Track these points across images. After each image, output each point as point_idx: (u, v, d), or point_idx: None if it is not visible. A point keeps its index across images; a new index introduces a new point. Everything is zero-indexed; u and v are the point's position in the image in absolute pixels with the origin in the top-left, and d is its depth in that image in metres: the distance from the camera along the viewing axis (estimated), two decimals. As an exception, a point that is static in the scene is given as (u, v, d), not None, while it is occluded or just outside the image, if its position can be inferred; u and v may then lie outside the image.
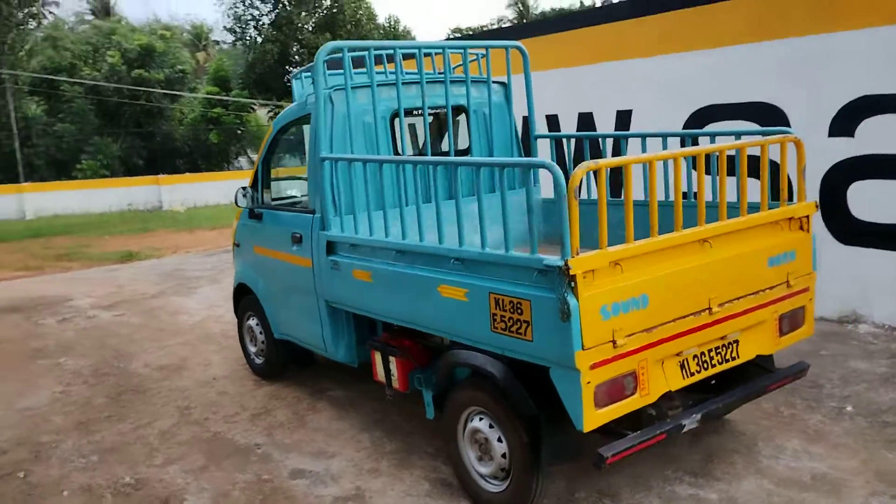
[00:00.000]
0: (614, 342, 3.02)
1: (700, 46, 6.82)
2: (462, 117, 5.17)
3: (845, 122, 5.89)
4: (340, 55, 4.56)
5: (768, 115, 6.34)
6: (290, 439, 4.61)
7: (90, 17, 43.13)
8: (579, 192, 2.90)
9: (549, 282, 2.97)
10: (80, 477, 4.25)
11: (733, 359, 3.61)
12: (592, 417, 3.02)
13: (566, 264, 2.86)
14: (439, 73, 5.01)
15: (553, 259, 2.92)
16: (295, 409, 5.07)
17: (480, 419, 3.56)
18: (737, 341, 3.61)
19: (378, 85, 4.61)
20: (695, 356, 3.45)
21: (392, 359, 4.15)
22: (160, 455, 4.50)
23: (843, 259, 6.03)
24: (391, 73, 4.87)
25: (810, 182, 5.98)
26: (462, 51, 5.03)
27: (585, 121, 7.99)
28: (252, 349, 5.82)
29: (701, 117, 6.87)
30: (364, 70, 4.87)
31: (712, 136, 4.69)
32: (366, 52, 4.55)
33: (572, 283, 2.88)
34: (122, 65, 30.19)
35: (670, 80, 7.08)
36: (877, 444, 4.02)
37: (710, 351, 3.50)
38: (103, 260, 14.04)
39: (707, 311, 3.37)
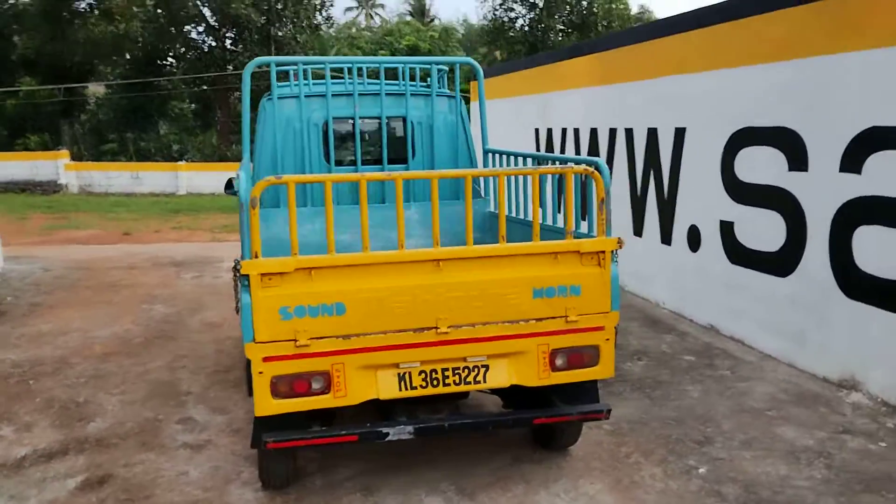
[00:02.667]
0: (296, 341, 3.34)
1: (740, 63, 6.23)
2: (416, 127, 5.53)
3: (854, 156, 5.06)
4: (281, 68, 5.25)
5: (790, 144, 5.65)
6: (215, 395, 5.45)
7: (408, 18, 48.23)
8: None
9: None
10: (58, 392, 5.52)
11: (477, 382, 3.63)
12: (267, 405, 3.38)
13: (236, 264, 3.27)
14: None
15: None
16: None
17: None
18: (486, 366, 3.62)
19: (307, 96, 5.21)
20: (421, 372, 3.56)
21: None
22: (121, 387, 5.61)
23: (848, 315, 5.21)
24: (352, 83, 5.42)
25: (821, 221, 5.30)
26: (401, 66, 5.39)
27: (652, 135, 7.64)
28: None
29: (739, 140, 6.27)
30: (341, 80, 5.52)
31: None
32: (295, 67, 5.19)
33: (246, 283, 3.28)
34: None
35: (717, 99, 6.55)
36: (677, 509, 3.69)
37: (444, 370, 3.58)
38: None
39: (433, 329, 3.48)
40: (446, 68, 5.64)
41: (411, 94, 5.46)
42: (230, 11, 30.58)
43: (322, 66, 5.26)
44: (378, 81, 5.53)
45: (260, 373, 3.34)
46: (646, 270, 7.88)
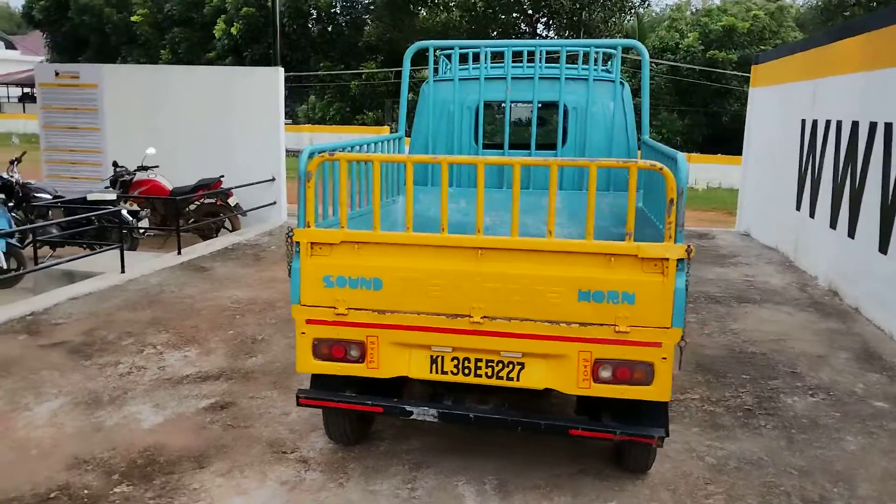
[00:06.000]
0: (335, 309, 3.54)
1: None
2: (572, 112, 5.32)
3: None
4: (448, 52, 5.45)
5: None
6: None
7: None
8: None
9: None
10: (250, 328, 6.40)
11: (510, 379, 3.49)
12: (307, 364, 3.65)
13: (289, 231, 3.56)
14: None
15: None
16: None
17: None
18: (521, 364, 3.46)
19: (462, 79, 5.31)
20: (453, 358, 3.52)
21: None
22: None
23: None
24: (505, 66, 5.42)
25: None
26: (561, 48, 5.19)
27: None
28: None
29: None
30: (500, 64, 5.59)
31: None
32: (452, 50, 5.32)
33: (297, 249, 3.56)
34: (699, 45, 31.55)
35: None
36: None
37: (476, 360, 3.51)
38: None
39: (467, 317, 3.43)
40: (614, 51, 5.30)
41: (571, 79, 5.26)
42: (541, -2, 31.49)
43: (478, 49, 5.32)
44: (551, 65, 5.44)
45: (303, 333, 3.61)
46: (889, 295, 6.56)
